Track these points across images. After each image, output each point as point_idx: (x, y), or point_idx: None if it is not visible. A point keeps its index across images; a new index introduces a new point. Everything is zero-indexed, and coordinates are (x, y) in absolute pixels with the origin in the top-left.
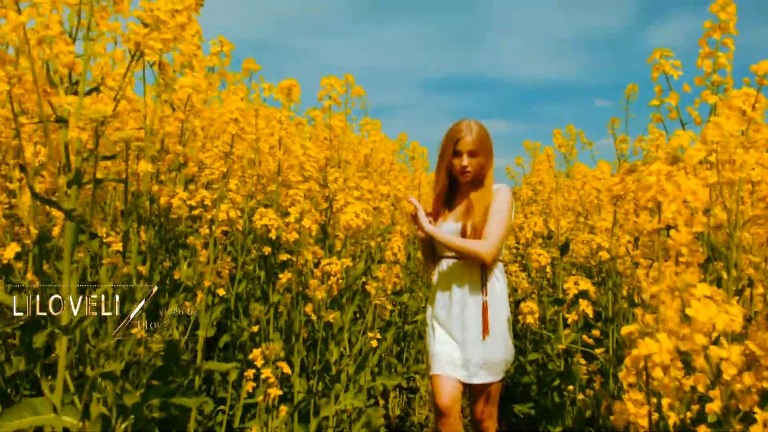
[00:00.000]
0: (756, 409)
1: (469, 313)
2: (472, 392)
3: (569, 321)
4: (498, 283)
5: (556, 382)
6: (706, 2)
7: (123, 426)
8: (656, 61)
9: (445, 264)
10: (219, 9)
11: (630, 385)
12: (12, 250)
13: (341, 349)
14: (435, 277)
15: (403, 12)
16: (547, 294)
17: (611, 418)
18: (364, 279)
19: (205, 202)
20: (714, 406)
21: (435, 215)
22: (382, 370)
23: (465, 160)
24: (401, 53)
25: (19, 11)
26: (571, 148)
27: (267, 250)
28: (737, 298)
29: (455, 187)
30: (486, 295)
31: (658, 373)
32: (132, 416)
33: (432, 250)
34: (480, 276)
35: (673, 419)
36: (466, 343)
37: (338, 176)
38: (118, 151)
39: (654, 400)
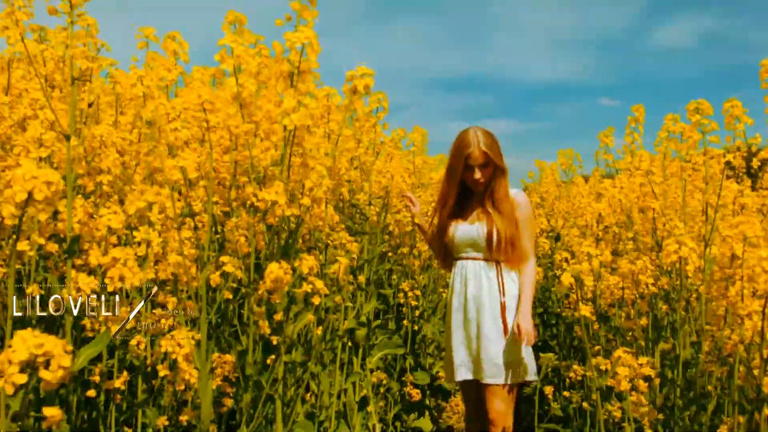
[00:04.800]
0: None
1: (484, 313)
2: (486, 393)
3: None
4: (513, 285)
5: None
6: (714, 3)
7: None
8: (601, 140)
9: (461, 265)
10: (218, 7)
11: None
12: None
13: (425, 299)
14: (450, 280)
15: (406, 12)
16: (547, 264)
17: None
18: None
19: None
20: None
21: (443, 223)
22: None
23: (477, 174)
24: (405, 53)
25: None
26: (570, 165)
27: (386, 237)
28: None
29: (466, 194)
30: (504, 295)
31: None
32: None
33: (445, 251)
34: (497, 277)
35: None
36: (481, 344)
37: (421, 194)
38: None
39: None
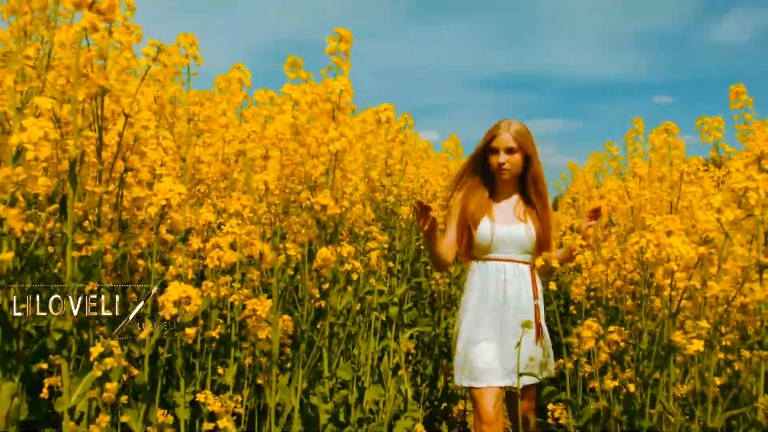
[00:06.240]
0: None
1: (523, 317)
2: (522, 394)
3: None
4: (540, 285)
5: None
6: None
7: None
8: (606, 149)
9: (496, 266)
10: (267, 7)
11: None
12: None
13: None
14: (478, 280)
15: (452, 11)
16: None
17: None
18: None
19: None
20: None
21: (471, 215)
22: None
23: (502, 157)
24: (451, 52)
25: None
26: (600, 167)
27: (421, 234)
28: None
29: (493, 186)
30: (537, 298)
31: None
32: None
33: (466, 246)
34: (531, 279)
35: None
36: (520, 349)
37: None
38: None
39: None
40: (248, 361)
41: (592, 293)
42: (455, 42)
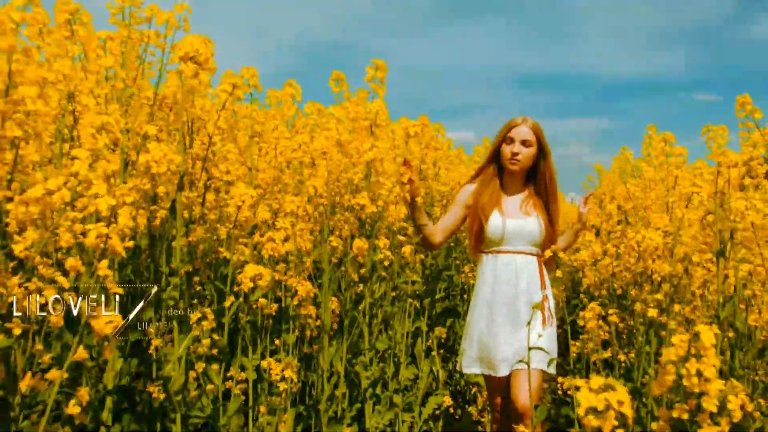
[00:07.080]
0: None
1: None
2: (529, 377)
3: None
4: (546, 275)
5: None
6: None
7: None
8: (621, 153)
9: (506, 259)
10: (297, 9)
11: None
12: None
13: None
14: (489, 273)
15: (485, 10)
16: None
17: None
18: None
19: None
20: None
21: (484, 208)
22: None
23: (517, 147)
24: (486, 52)
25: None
26: (624, 169)
27: None
28: None
29: (502, 179)
30: (544, 288)
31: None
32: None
33: (476, 238)
34: (539, 270)
35: None
36: (530, 337)
37: None
38: None
39: None
40: (296, 333)
41: (603, 284)
42: (488, 41)
